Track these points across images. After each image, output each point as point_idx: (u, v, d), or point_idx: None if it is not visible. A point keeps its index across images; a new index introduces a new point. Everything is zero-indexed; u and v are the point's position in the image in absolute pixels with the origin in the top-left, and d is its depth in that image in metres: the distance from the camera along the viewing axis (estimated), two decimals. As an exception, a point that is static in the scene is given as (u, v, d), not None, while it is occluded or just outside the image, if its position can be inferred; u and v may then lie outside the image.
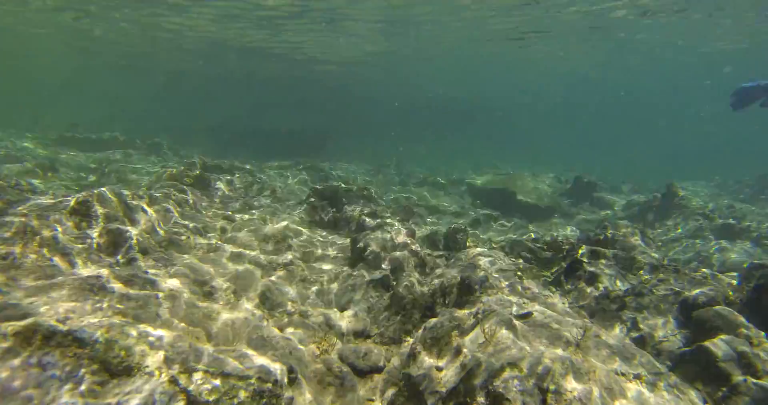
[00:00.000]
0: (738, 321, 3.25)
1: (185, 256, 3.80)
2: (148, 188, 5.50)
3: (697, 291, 3.83)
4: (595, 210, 10.03)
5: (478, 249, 4.20)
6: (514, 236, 4.66)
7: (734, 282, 4.41)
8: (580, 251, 4.18)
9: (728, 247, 6.67)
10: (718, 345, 3.03)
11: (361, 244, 4.47)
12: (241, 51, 19.78)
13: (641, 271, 4.24)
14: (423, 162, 20.45)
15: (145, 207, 4.09)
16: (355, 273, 4.07)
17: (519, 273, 3.66)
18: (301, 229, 5.14)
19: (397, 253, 4.30)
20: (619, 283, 4.05)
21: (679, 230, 7.53)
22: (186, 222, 4.36)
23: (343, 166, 15.28)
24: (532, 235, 5.52)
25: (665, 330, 3.57)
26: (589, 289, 3.99)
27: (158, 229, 4.00)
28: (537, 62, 21.36)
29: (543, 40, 16.52)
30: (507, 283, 3.43)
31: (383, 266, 4.07)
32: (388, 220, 5.04)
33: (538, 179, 10.91)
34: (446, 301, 3.49)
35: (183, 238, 4.09)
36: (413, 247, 4.46)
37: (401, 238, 4.61)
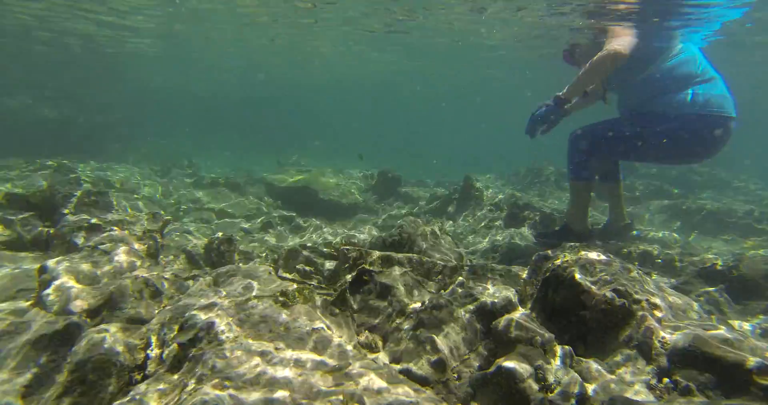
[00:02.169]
0: (531, 328, 2.77)
1: None
2: None
3: (492, 294, 3.35)
4: (400, 205, 9.84)
5: (237, 270, 3.00)
6: (291, 244, 3.61)
7: (523, 275, 4.19)
8: (369, 259, 3.35)
9: (516, 234, 6.87)
10: (517, 362, 2.45)
11: (48, 275, 2.83)
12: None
13: (439, 276, 3.63)
14: (226, 162, 18.33)
15: None
16: (15, 328, 2.45)
17: (284, 298, 2.58)
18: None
19: (112, 283, 2.81)
20: (417, 294, 3.33)
21: (476, 222, 7.62)
22: None
23: (121, 168, 12.31)
24: (323, 240, 4.59)
25: (465, 347, 2.95)
26: (381, 306, 3.16)
27: None
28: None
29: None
30: (258, 317, 2.31)
31: (72, 307, 2.55)
32: (116, 233, 3.47)
33: (341, 176, 10.30)
34: (163, 356, 2.21)
35: None
36: (142, 272, 3.02)
37: (123, 259, 3.11)
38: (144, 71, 29.68)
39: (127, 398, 1.89)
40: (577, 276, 3.13)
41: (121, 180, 9.60)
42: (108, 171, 11.09)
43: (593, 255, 3.36)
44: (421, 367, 2.77)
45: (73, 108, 18.21)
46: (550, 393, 2.38)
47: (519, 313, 2.84)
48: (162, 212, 4.53)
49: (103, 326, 2.35)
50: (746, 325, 3.75)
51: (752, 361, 2.11)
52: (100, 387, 2.11)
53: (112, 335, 2.27)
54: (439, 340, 2.94)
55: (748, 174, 14.13)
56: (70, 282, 2.76)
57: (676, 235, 7.40)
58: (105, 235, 3.58)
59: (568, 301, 3.20)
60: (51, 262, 2.96)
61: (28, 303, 2.91)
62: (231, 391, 1.65)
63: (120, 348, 2.24)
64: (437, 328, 3.05)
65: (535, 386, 2.40)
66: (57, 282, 2.72)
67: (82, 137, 16.60)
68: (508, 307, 3.06)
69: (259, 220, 7.01)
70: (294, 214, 7.28)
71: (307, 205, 8.25)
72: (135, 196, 8.34)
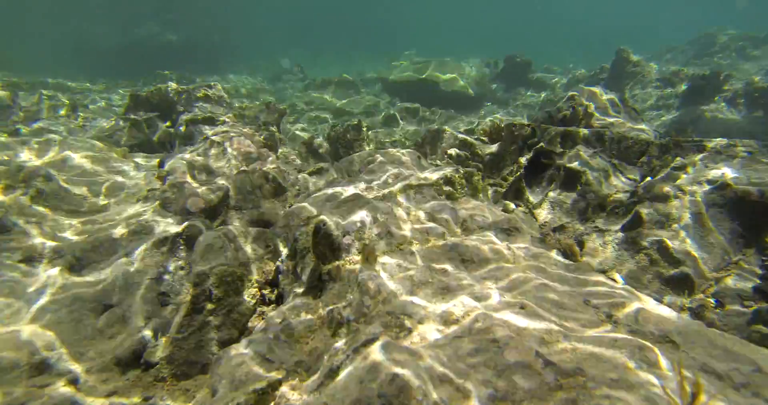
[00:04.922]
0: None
1: None
2: None
3: (746, 178, 2.27)
4: (533, 92, 8.41)
5: (378, 155, 2.31)
6: (435, 126, 2.81)
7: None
8: (547, 136, 2.43)
9: (712, 113, 5.31)
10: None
11: (164, 171, 2.45)
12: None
13: (643, 157, 2.60)
14: (335, 66, 17.66)
15: None
16: (142, 228, 2.09)
17: (449, 188, 1.85)
18: (88, 161, 2.97)
19: (222, 181, 2.34)
20: (614, 181, 2.40)
21: (639, 101, 6.07)
22: None
23: (232, 78, 12.38)
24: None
25: (718, 257, 2.01)
26: (570, 198, 2.31)
27: None
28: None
29: None
30: (421, 213, 1.62)
31: (189, 206, 2.13)
32: (230, 124, 2.99)
33: (462, 65, 8.96)
34: (298, 270, 1.66)
35: None
36: (260, 165, 2.50)
37: (239, 151, 2.62)
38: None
39: (262, 333, 1.37)
40: None
41: (236, 87, 9.51)
42: (224, 82, 11.15)
43: None
44: (647, 282, 1.95)
45: (193, 31, 18.77)
46: None
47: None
48: (275, 102, 3.99)
49: (222, 229, 1.85)
50: None
51: None
52: (230, 305, 1.65)
53: (231, 240, 1.75)
54: (671, 244, 2.04)
55: None
56: (185, 177, 2.33)
57: None
58: (218, 128, 3.13)
59: None
60: (167, 159, 2.55)
61: (156, 203, 2.60)
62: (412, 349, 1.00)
63: (243, 257, 1.73)
64: (662, 227, 2.13)
65: None
66: (173, 178, 2.31)
67: (202, 56, 17.13)
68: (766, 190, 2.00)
69: (381, 116, 6.32)
70: (418, 106, 6.41)
71: (427, 99, 7.31)
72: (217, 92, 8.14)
